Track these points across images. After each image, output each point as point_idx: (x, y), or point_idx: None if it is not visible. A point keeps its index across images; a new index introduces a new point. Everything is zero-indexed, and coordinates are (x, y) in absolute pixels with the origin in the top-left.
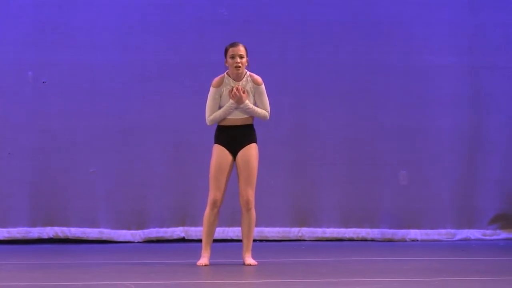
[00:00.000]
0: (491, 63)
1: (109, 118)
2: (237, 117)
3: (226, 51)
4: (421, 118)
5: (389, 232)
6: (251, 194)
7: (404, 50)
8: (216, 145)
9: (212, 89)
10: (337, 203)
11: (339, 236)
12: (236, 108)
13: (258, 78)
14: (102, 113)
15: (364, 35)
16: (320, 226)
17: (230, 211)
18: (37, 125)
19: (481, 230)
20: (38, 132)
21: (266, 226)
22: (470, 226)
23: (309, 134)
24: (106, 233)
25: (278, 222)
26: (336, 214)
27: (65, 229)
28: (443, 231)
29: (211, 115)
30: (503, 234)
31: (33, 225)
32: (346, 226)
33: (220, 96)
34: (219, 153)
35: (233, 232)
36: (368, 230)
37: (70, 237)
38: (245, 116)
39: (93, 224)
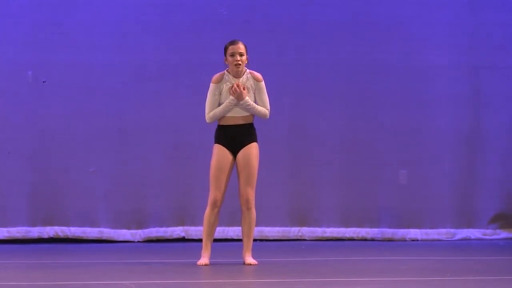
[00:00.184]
0: (491, 63)
1: (108, 118)
2: (237, 115)
3: (225, 49)
4: (421, 118)
5: (389, 232)
6: (251, 193)
7: (404, 50)
8: (216, 144)
9: (211, 85)
10: (337, 202)
11: (339, 235)
12: (236, 105)
13: (259, 75)
14: (101, 113)
15: (364, 35)
16: (320, 226)
17: (230, 210)
18: (36, 125)
19: (481, 230)
20: (37, 132)
21: (266, 226)
22: (470, 226)
23: (309, 134)
24: (106, 232)
25: (278, 221)
26: (336, 214)
27: (65, 228)
28: (443, 230)
29: (210, 111)
30: (503, 234)
31: (33, 224)
32: (346, 226)
33: (220, 93)
34: (220, 153)
35: (233, 231)
36: (368, 229)
37: (70, 237)
38: (245, 114)
39: (93, 224)
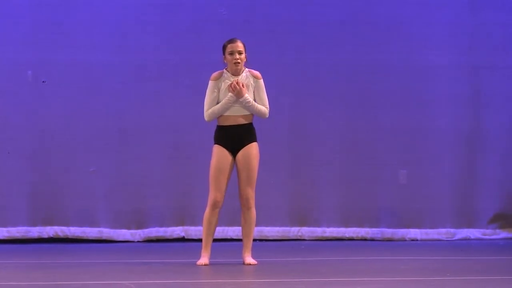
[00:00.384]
0: (491, 63)
1: (108, 118)
2: (236, 114)
3: (224, 47)
4: (421, 118)
5: (388, 232)
6: (251, 193)
7: (404, 50)
8: (216, 145)
9: (210, 83)
10: (337, 202)
11: (339, 235)
12: (235, 103)
13: (258, 73)
14: (101, 113)
15: (364, 35)
16: (320, 226)
17: (229, 210)
18: (36, 125)
19: (481, 230)
20: (37, 132)
21: (266, 226)
22: (469, 226)
23: (309, 134)
24: (105, 232)
25: (278, 221)
26: (336, 214)
27: (65, 228)
28: (443, 230)
29: (209, 109)
30: (502, 234)
31: (33, 224)
32: (346, 226)
33: (219, 91)
34: (219, 153)
35: (232, 231)
36: (368, 229)
37: (70, 237)
38: (245, 114)
39: (93, 224)
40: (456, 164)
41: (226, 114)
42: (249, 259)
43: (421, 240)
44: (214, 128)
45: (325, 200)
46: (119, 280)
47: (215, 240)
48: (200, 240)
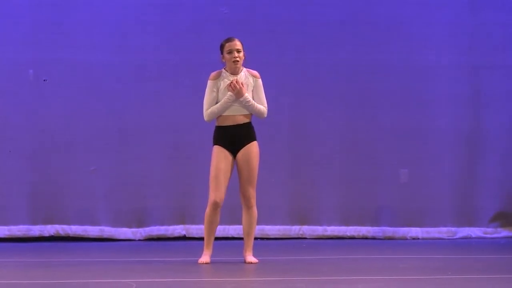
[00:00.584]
0: (491, 63)
1: (108, 118)
2: (236, 114)
3: (222, 47)
4: (421, 118)
5: (390, 230)
6: (252, 192)
7: (404, 50)
8: (216, 146)
9: (209, 82)
10: (337, 202)
11: (340, 234)
12: (234, 102)
13: (256, 72)
14: (101, 112)
15: (364, 35)
16: (321, 224)
17: (230, 208)
18: (37, 125)
19: (482, 228)
20: (38, 132)
21: (267, 224)
22: (470, 224)
23: (309, 133)
24: (107, 231)
25: (279, 220)
26: (337, 213)
27: (66, 227)
28: (444, 229)
29: (208, 108)
30: (503, 232)
31: (34, 223)
32: (347, 224)
33: (218, 90)
34: (219, 154)
35: (234, 230)
36: (369, 228)
37: (71, 235)
38: (244, 113)
39: (94, 222)
40: (456, 164)
41: (225, 114)
42: (250, 258)
43: (422, 238)
44: (213, 128)
45: (325, 199)
46: (120, 279)
47: (216, 239)
48: (201, 238)
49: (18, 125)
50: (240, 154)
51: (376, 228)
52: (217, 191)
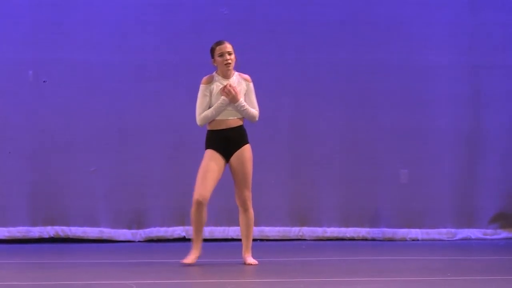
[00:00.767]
0: (491, 63)
1: (108, 118)
2: (228, 118)
3: (212, 50)
4: (421, 118)
5: (389, 232)
6: (247, 195)
7: (404, 50)
8: (208, 150)
9: (201, 87)
10: (337, 202)
11: (340, 235)
12: (227, 106)
13: (248, 76)
14: (101, 113)
15: (364, 35)
16: (320, 226)
17: (229, 210)
18: (37, 125)
19: (482, 230)
20: (38, 132)
21: (266, 226)
22: (470, 226)
23: (309, 134)
24: (106, 232)
25: (279, 221)
26: (336, 214)
27: (65, 228)
28: (443, 230)
29: (201, 113)
30: (503, 234)
31: (34, 224)
32: (347, 226)
33: (210, 94)
34: (211, 156)
35: (233, 231)
36: (369, 229)
37: (70, 236)
38: (236, 117)
39: (93, 224)
40: (456, 164)
41: (218, 118)
42: (250, 260)
43: (422, 240)
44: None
45: (325, 200)
46: (119, 280)
47: (216, 240)
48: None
49: (18, 125)
50: (233, 158)
51: (375, 230)
52: (202, 189)
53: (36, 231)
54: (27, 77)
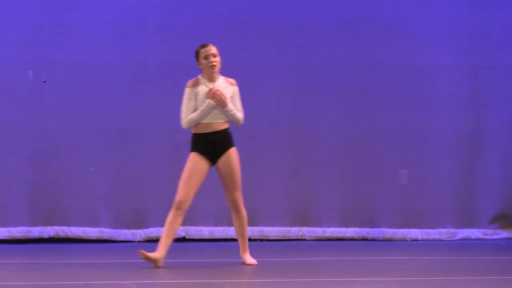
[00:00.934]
0: (491, 63)
1: (108, 118)
2: (214, 121)
3: (197, 53)
4: (421, 118)
5: (389, 232)
6: (238, 196)
7: (404, 50)
8: (193, 153)
9: (187, 90)
10: (337, 202)
11: (340, 235)
12: (213, 109)
13: (233, 80)
14: (101, 113)
15: (364, 35)
16: (320, 226)
17: (229, 211)
18: (37, 125)
19: (482, 230)
20: (38, 132)
21: (266, 226)
22: (470, 226)
23: (309, 134)
24: (106, 232)
25: (279, 221)
26: (336, 214)
27: (65, 228)
28: (443, 230)
29: (187, 116)
30: (503, 234)
31: (34, 224)
32: (347, 226)
33: (196, 97)
34: (196, 160)
35: (233, 231)
36: (369, 229)
37: (70, 237)
38: (222, 120)
39: (93, 224)
40: (456, 164)
41: (203, 121)
42: (249, 259)
43: (422, 240)
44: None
45: (325, 200)
46: (119, 280)
47: (215, 240)
48: (201, 240)
49: (18, 125)
50: (220, 163)
51: (375, 230)
52: (184, 193)
53: (36, 231)
54: (27, 77)
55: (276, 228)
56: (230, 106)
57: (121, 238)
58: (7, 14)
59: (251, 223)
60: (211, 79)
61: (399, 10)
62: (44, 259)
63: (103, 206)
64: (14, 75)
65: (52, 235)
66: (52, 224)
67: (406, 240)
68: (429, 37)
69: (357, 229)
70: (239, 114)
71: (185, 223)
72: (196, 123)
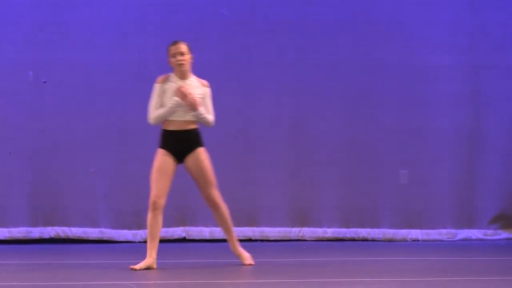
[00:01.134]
0: (491, 63)
1: (108, 118)
2: (183, 119)
3: (168, 51)
4: (421, 118)
5: (390, 232)
6: (213, 192)
7: (404, 50)
8: (160, 149)
9: (156, 86)
10: (338, 202)
11: (340, 236)
12: (180, 106)
13: (205, 81)
14: (101, 113)
15: (364, 35)
16: (321, 226)
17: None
18: (37, 125)
19: (482, 230)
20: (38, 132)
21: (267, 226)
22: (470, 226)
23: (309, 134)
24: (107, 233)
25: (279, 222)
26: (337, 214)
27: (66, 229)
28: (444, 231)
29: (154, 112)
30: (504, 234)
31: (34, 225)
32: (347, 226)
33: (164, 94)
34: (162, 157)
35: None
36: (369, 230)
37: (71, 237)
38: (192, 119)
39: (93, 224)
40: (456, 164)
41: (172, 118)
42: (242, 252)
43: (422, 240)
44: (213, 129)
45: (325, 200)
46: (120, 281)
47: (215, 241)
48: (201, 240)
49: (18, 125)
50: (189, 162)
51: (376, 230)
52: (157, 192)
53: (37, 232)
54: (27, 77)
55: (277, 229)
56: (201, 109)
57: (122, 239)
58: (7, 14)
59: (252, 223)
60: (182, 77)
61: (399, 10)
62: (45, 259)
63: (103, 207)
64: (14, 75)
65: (52, 236)
66: (52, 225)
67: (407, 241)
68: (429, 37)
69: (358, 230)
70: (210, 117)
71: (185, 223)
72: (163, 120)
